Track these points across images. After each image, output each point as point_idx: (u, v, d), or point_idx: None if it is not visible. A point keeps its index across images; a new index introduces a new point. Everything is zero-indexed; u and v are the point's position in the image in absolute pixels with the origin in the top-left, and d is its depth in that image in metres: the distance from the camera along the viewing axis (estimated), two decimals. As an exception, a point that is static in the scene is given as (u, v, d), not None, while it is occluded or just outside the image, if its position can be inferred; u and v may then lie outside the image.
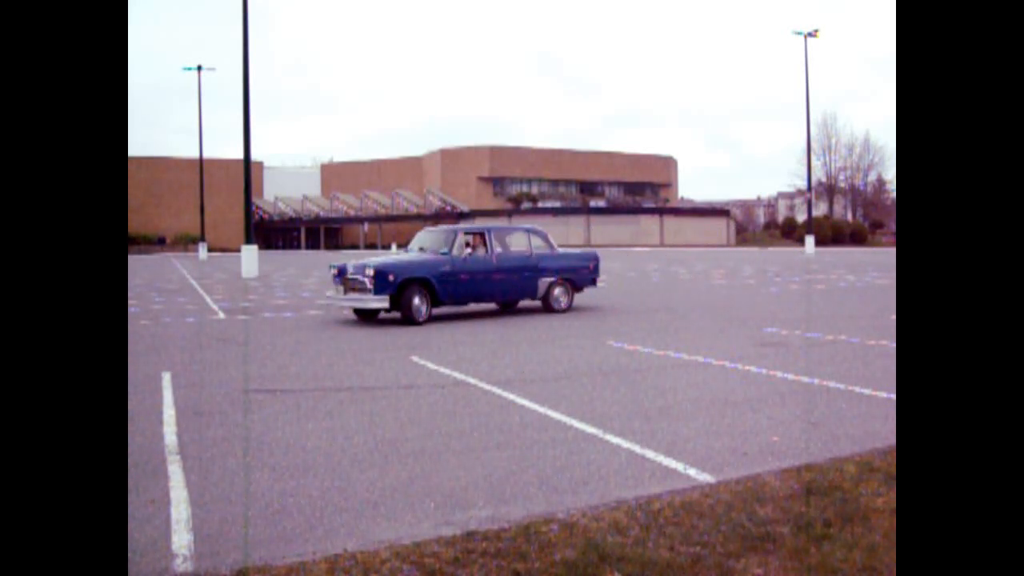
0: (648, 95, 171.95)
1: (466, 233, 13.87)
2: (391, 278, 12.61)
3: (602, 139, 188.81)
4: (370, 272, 12.56)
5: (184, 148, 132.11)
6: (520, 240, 14.57)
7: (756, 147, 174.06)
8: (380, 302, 12.60)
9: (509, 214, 77.21)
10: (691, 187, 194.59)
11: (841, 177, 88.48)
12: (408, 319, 12.71)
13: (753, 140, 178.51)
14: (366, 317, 13.48)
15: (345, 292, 13.22)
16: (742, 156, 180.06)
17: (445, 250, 13.48)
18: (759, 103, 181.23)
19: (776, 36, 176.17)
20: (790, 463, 4.85)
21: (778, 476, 4.56)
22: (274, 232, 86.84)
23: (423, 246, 14.17)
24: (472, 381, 7.73)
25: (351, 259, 14.55)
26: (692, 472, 4.73)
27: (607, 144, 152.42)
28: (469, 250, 13.47)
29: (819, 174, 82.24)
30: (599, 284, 15.94)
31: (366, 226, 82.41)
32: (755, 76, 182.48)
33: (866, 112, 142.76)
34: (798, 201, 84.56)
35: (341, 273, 13.38)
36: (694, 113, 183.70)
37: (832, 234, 68.66)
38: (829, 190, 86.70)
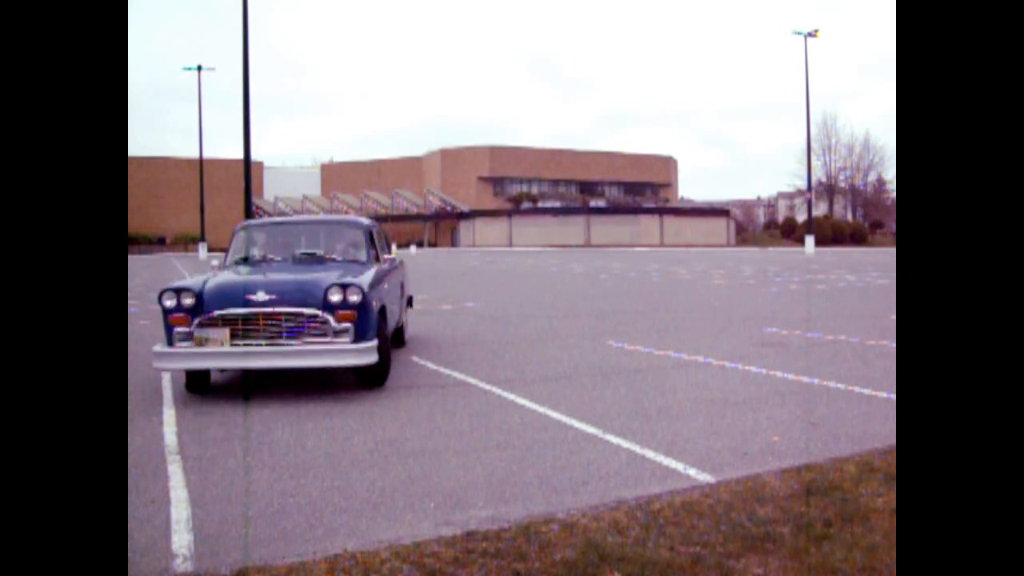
0: (647, 95, 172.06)
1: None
2: (375, 304, 7.31)
3: (601, 140, 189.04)
4: (353, 298, 6.90)
5: (184, 148, 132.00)
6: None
7: (756, 147, 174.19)
8: (365, 355, 6.89)
9: (509, 214, 77.24)
10: (691, 187, 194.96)
11: (841, 177, 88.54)
12: (382, 375, 7.45)
13: (753, 140, 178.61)
14: (199, 388, 7.35)
15: (234, 339, 6.78)
16: (742, 156, 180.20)
17: (363, 257, 8.48)
18: (759, 103, 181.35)
19: (776, 36, 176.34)
20: (790, 463, 4.85)
21: (778, 476, 4.56)
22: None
23: (299, 252, 8.55)
24: (472, 381, 7.73)
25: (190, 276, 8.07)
26: (692, 472, 4.73)
27: (606, 145, 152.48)
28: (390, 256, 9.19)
29: (819, 174, 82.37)
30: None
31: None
32: (755, 76, 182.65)
33: (866, 112, 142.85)
34: (798, 201, 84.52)
35: (203, 306, 6.88)
36: (694, 113, 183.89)
37: (832, 234, 68.67)
38: (829, 190, 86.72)
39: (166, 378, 7.99)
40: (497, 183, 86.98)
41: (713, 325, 12.40)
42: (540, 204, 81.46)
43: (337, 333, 6.88)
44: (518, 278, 26.11)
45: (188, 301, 6.93)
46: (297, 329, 6.87)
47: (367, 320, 7.02)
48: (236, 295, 6.98)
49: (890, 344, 9.61)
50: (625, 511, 4.00)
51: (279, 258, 8.49)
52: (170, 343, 6.98)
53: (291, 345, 6.84)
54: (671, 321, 13.15)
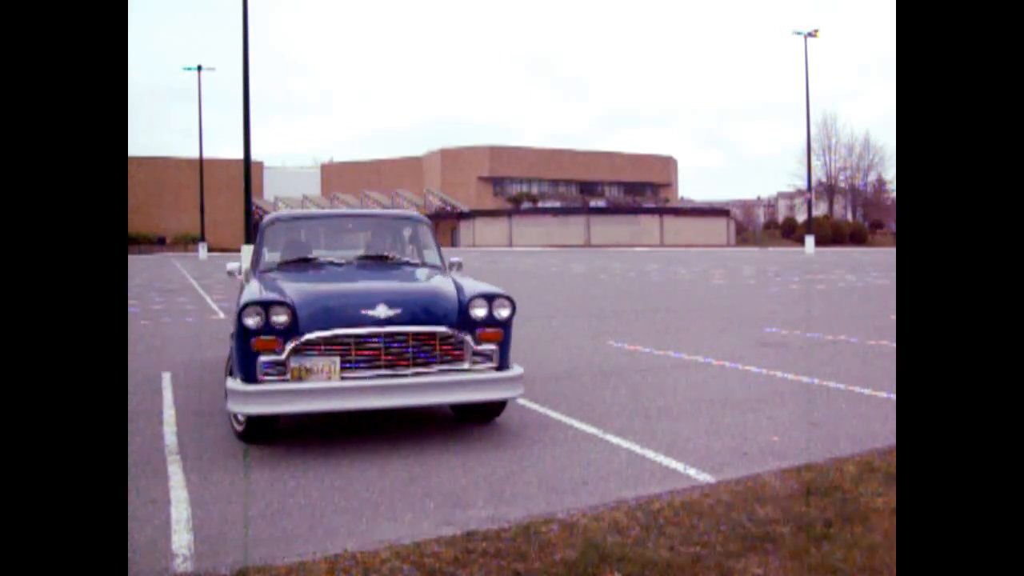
0: (647, 95, 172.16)
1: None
2: None
3: (601, 140, 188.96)
4: (501, 312, 5.53)
5: (184, 148, 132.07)
6: None
7: (756, 147, 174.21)
8: (514, 385, 5.56)
9: (509, 214, 77.24)
10: (691, 187, 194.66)
11: (841, 177, 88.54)
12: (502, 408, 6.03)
13: (753, 140, 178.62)
14: (263, 436, 5.48)
15: (345, 370, 5.15)
16: (742, 156, 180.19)
17: (436, 260, 6.95)
18: (759, 103, 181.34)
19: (776, 36, 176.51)
20: (790, 463, 4.85)
21: (778, 476, 4.56)
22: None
23: (363, 252, 6.93)
24: (472, 381, 7.71)
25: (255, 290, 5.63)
26: (692, 472, 4.73)
27: (606, 145, 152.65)
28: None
29: (819, 174, 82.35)
30: None
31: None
32: (755, 76, 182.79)
33: (866, 112, 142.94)
34: (798, 201, 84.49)
35: (297, 325, 5.13)
36: (694, 113, 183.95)
37: (832, 234, 68.68)
38: (829, 190, 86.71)
39: (166, 378, 7.99)
40: (497, 183, 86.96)
41: (713, 325, 12.39)
42: (540, 204, 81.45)
43: (476, 357, 5.42)
44: (518, 278, 26.10)
45: (281, 319, 5.10)
46: (426, 354, 5.29)
47: (510, 340, 5.59)
48: (347, 310, 5.22)
49: (890, 344, 9.61)
50: (625, 511, 4.00)
51: (339, 261, 6.58)
52: (252, 377, 5.09)
53: (425, 376, 5.25)
54: (671, 321, 13.15)
